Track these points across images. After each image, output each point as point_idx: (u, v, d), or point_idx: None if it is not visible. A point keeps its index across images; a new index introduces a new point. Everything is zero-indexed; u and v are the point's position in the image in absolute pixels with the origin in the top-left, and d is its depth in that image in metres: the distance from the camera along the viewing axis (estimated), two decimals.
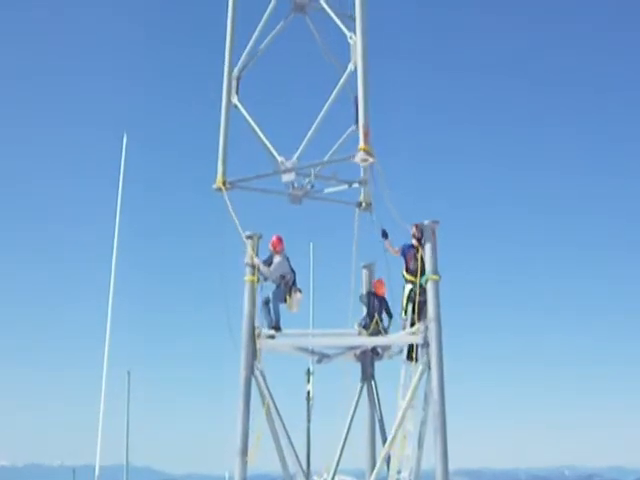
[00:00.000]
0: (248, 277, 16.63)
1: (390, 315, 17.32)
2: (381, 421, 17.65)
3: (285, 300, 16.81)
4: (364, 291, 18.02)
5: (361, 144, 16.20)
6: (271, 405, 16.27)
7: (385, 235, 16.81)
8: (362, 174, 17.59)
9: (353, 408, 17.54)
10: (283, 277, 16.79)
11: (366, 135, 16.22)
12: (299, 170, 17.15)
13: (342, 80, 16.80)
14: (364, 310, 17.56)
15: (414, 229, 16.65)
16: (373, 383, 17.77)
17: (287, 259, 16.96)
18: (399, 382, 16.43)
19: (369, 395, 17.75)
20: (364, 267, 18.31)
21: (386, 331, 17.10)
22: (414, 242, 16.66)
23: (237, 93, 17.62)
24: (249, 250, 16.65)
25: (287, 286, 16.79)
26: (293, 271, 16.97)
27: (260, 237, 16.84)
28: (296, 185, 17.27)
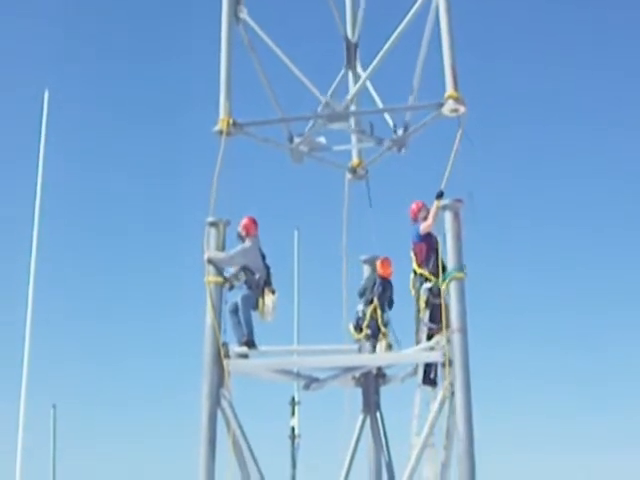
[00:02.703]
0: (210, 277, 13.69)
1: (391, 304, 14.91)
2: (389, 464, 15.33)
3: (257, 306, 14.02)
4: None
5: (449, 90, 13.74)
6: (244, 447, 13.65)
7: (440, 196, 13.60)
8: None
9: (352, 448, 15.35)
10: (252, 273, 13.85)
11: (455, 79, 13.79)
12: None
13: (414, 9, 14.25)
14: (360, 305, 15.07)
15: (417, 207, 13.97)
16: (378, 415, 15.43)
17: (261, 251, 14.10)
18: (412, 413, 14.01)
19: (373, 431, 15.42)
20: (365, 262, 15.60)
21: (386, 326, 14.73)
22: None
23: (244, 5, 14.47)
24: (211, 241, 13.73)
25: (259, 287, 13.89)
26: (267, 267, 14.11)
27: (228, 224, 13.94)
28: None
